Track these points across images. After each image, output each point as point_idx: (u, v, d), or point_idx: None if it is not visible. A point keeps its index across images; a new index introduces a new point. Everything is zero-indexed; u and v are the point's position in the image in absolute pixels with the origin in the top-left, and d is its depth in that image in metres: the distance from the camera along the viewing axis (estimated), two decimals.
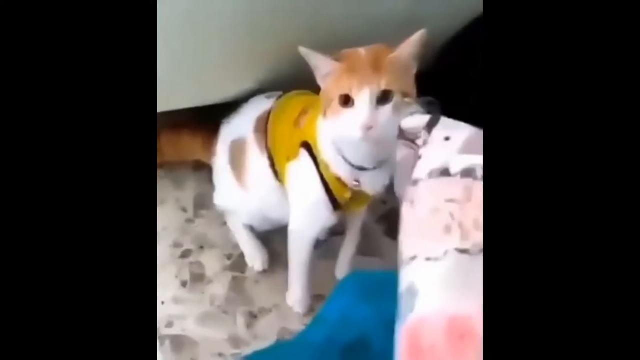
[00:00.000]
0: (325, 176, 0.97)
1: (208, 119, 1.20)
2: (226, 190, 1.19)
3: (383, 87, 0.84)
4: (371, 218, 1.24)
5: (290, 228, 1.07)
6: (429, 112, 0.62)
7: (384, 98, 0.85)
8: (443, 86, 1.15)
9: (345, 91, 0.85)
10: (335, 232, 1.21)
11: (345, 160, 0.94)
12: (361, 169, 0.94)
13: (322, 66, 0.89)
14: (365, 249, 1.21)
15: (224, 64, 1.07)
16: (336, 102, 0.86)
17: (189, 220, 1.26)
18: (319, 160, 0.97)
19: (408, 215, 0.57)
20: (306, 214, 1.04)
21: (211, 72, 1.08)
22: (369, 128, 0.84)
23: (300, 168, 1.00)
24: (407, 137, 0.60)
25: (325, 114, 0.89)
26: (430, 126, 0.59)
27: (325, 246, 1.23)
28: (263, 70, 1.11)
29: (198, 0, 0.93)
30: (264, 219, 1.17)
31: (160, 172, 1.30)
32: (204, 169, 1.29)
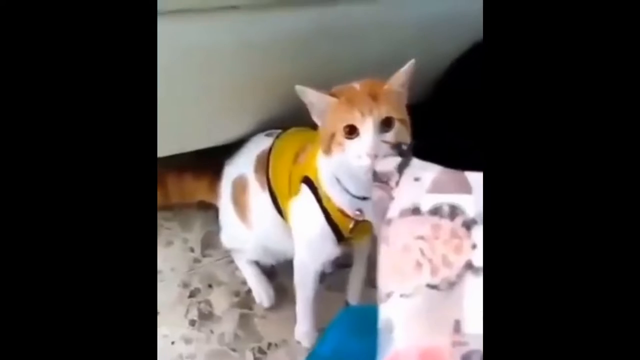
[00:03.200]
0: (328, 209, 0.99)
1: (211, 161, 1.24)
2: (230, 229, 1.22)
3: (384, 114, 0.86)
4: (376, 249, 1.25)
5: (295, 262, 1.09)
6: (400, 155, 0.64)
7: (386, 125, 0.86)
8: (440, 116, 1.19)
9: (349, 122, 0.86)
10: (342, 265, 1.23)
11: (347, 191, 0.95)
12: (363, 198, 0.96)
13: (319, 103, 0.91)
14: (371, 279, 1.22)
15: (224, 107, 1.11)
16: (340, 134, 0.88)
17: (197, 260, 1.29)
18: (320, 194, 0.98)
19: (383, 254, 0.60)
20: (310, 247, 1.06)
21: (212, 115, 1.12)
22: (375, 155, 0.84)
23: (303, 203, 1.02)
24: (380, 179, 0.62)
25: (329, 149, 0.90)
26: (401, 168, 0.62)
27: (333, 279, 1.25)
28: (262, 110, 1.15)
29: (197, 49, 0.97)
30: (268, 253, 1.20)
31: (167, 214, 1.34)
32: (210, 209, 1.32)
